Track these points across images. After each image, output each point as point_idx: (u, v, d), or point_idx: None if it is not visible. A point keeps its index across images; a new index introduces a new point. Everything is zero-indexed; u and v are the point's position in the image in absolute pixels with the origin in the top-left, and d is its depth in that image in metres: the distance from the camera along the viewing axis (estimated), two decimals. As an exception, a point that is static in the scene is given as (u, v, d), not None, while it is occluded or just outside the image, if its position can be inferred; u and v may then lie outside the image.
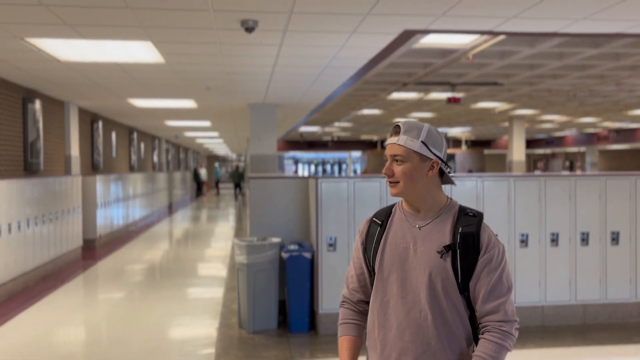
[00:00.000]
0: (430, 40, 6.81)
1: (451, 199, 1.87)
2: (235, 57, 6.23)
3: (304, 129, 21.57)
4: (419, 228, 1.80)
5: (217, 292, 7.14)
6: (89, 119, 11.57)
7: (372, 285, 1.89)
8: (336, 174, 38.33)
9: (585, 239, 5.53)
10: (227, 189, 35.25)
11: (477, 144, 29.45)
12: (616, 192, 5.58)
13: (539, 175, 5.80)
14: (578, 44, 7.48)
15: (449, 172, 1.85)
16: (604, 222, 5.56)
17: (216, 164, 37.48)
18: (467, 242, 1.74)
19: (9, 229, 6.85)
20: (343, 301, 1.98)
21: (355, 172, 35.58)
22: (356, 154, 34.31)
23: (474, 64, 8.54)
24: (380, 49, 5.75)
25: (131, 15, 4.53)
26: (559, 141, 28.10)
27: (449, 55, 7.89)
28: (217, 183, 33.08)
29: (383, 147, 29.60)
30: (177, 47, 5.74)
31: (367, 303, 1.93)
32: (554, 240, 5.50)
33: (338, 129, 22.54)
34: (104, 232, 11.05)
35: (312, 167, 40.86)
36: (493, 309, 1.73)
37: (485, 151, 29.23)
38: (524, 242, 5.46)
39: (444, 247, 1.75)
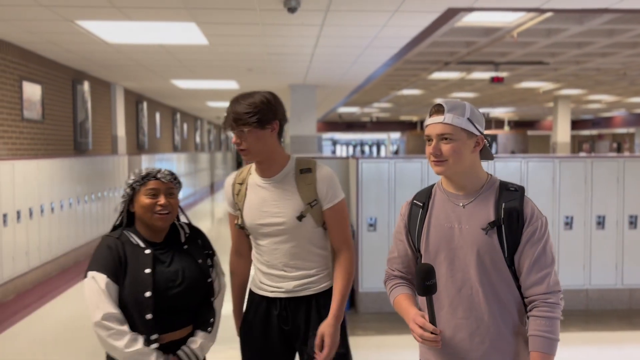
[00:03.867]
0: (474, 19, 6.67)
1: (491, 175, 1.87)
2: (277, 38, 6.27)
3: (343, 110, 21.53)
4: (463, 206, 1.81)
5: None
6: (134, 100, 11.85)
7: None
8: (374, 155, 38.16)
9: (633, 222, 5.39)
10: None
11: (520, 125, 28.77)
12: (667, 174, 5.41)
13: (586, 157, 5.66)
14: (630, 21, 7.20)
15: (489, 148, 1.87)
16: (654, 205, 5.40)
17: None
18: (512, 217, 1.76)
19: (61, 206, 7.15)
20: (388, 278, 2.00)
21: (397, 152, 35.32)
22: (395, 135, 34.04)
23: (518, 43, 8.33)
24: (423, 28, 5.69)
25: (177, -3, 4.61)
26: (606, 122, 27.17)
27: (493, 33, 7.72)
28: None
29: (422, 129, 29.24)
30: (220, 29, 5.82)
31: (412, 282, 1.95)
32: (600, 223, 5.39)
33: (377, 109, 22.41)
34: (148, 211, 11.34)
35: (350, 149, 40.81)
36: (537, 280, 1.75)
37: (528, 132, 28.55)
38: (569, 224, 5.37)
39: (488, 223, 1.76)
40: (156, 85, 10.60)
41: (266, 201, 2.19)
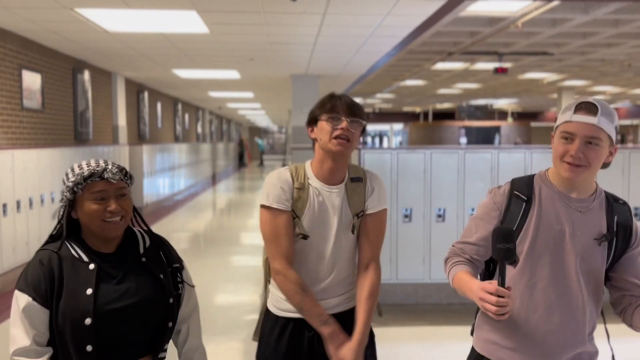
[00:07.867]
0: (478, 8, 6.60)
1: (596, 182, 1.80)
2: (278, 27, 6.21)
3: (346, 100, 21.42)
4: (579, 212, 1.72)
5: (260, 261, 7.26)
6: (135, 90, 11.79)
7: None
8: (377, 146, 38.09)
9: (638, 214, 5.34)
10: (269, 160, 35.59)
11: (523, 116, 28.66)
12: (673, 166, 5.35)
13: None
14: (635, 11, 7.12)
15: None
16: (659, 197, 5.35)
17: (256, 138, 37.93)
18: (624, 233, 1.75)
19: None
20: (453, 254, 1.83)
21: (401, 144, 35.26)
22: (398, 126, 33.94)
23: (522, 33, 8.25)
24: (427, 17, 5.62)
25: (177, -15, 4.55)
26: (611, 114, 27.00)
27: (497, 23, 7.64)
28: (260, 155, 33.57)
29: (426, 119, 29.16)
30: (221, 17, 5.75)
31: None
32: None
33: (380, 100, 22.33)
34: (150, 201, 11.35)
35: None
36: None
37: (531, 124, 28.45)
38: (572, 216, 5.33)
39: (603, 235, 1.72)
40: (157, 74, 10.54)
41: (325, 211, 1.98)
